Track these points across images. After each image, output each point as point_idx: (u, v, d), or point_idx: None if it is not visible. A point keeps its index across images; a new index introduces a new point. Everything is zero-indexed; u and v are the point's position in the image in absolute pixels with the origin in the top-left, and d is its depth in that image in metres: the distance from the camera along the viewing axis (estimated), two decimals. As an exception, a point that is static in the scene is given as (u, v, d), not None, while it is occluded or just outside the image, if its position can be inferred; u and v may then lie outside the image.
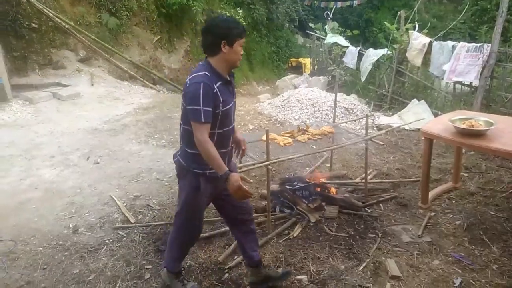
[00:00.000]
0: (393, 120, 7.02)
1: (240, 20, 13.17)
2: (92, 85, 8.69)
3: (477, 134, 3.51)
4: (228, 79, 2.42)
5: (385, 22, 9.57)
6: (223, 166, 2.27)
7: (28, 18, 8.34)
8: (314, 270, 3.08)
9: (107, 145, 5.82)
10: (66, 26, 8.89)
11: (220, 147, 2.42)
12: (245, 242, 2.81)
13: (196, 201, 2.54)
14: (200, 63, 2.42)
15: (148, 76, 10.27)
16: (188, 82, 2.31)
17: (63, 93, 7.81)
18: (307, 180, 4.10)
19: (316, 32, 11.99)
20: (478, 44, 6.27)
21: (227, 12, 12.50)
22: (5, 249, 3.37)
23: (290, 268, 3.02)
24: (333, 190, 4.10)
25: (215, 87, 2.28)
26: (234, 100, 2.52)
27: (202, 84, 2.23)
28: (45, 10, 8.55)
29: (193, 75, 2.32)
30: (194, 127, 2.27)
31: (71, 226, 3.74)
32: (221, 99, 2.31)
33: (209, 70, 2.32)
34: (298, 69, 14.51)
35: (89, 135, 6.22)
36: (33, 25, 8.42)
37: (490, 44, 6.11)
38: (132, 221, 3.80)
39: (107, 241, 3.50)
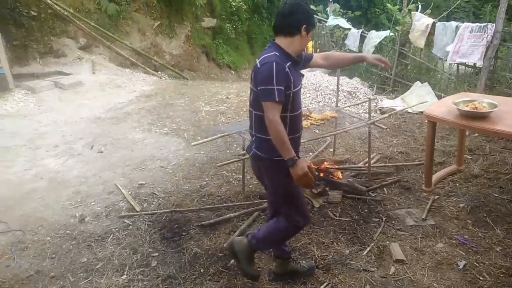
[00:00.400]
0: (396, 103, 6.97)
1: (240, 3, 13.06)
2: (94, 73, 8.66)
3: (481, 117, 3.49)
4: (297, 59, 2.43)
5: (387, 4, 9.44)
6: (291, 150, 2.24)
7: (27, 6, 8.25)
8: (319, 255, 3.11)
9: (110, 133, 5.83)
10: (66, 13, 8.81)
11: (293, 131, 2.42)
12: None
13: (293, 188, 2.45)
14: (268, 46, 2.42)
15: (149, 62, 10.21)
16: (259, 64, 2.30)
17: (65, 81, 7.80)
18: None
19: (317, 15, 11.84)
20: (482, 24, 6.17)
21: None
22: (13, 239, 3.42)
23: (312, 261, 3.01)
24: (338, 174, 4.11)
25: (286, 66, 2.28)
26: (302, 83, 2.51)
27: (274, 63, 2.23)
28: (43, -3, 8.48)
29: (263, 56, 2.31)
30: (266, 107, 2.23)
31: (77, 215, 3.78)
32: (292, 79, 2.30)
33: (278, 51, 2.32)
34: (300, 52, 14.37)
35: (92, 124, 6.23)
36: (32, 13, 8.33)
37: (494, 24, 6.02)
38: (138, 209, 3.83)
39: (113, 229, 3.54)
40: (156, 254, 3.19)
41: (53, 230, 3.56)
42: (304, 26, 2.34)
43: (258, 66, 2.29)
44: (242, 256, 2.68)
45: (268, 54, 2.30)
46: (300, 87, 2.45)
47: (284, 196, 2.52)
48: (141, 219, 3.67)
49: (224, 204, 3.87)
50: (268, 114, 2.22)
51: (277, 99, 2.20)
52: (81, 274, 2.99)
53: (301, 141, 3.75)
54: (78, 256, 3.20)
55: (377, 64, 2.89)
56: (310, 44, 13.40)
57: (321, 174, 4.04)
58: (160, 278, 2.92)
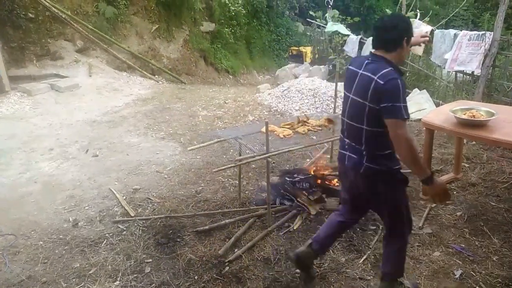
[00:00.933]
0: (394, 110, 6.96)
1: (239, 8, 13.07)
2: (90, 76, 8.63)
3: (478, 125, 3.48)
4: (402, 71, 2.42)
5: (387, 9, 9.46)
6: (426, 167, 2.21)
7: (25, 8, 8.24)
8: (315, 263, 3.07)
9: (106, 137, 5.79)
10: (63, 16, 8.79)
11: None
12: (331, 236, 2.81)
13: (407, 199, 2.46)
14: (371, 59, 2.35)
15: (146, 66, 10.19)
16: (381, 80, 2.20)
17: (62, 84, 7.76)
18: (308, 172, 4.08)
19: (316, 20, 11.87)
20: (480, 33, 6.18)
21: (226, 0, 12.36)
22: (5, 244, 3.37)
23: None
24: (335, 181, 4.08)
25: None
26: None
27: (399, 80, 2.18)
28: (41, -1, 8.46)
29: (381, 72, 2.21)
30: (396, 125, 2.17)
31: (71, 219, 3.74)
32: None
33: (391, 65, 2.28)
34: (299, 58, 14.37)
35: (88, 127, 6.20)
36: (30, 15, 8.32)
37: (492, 32, 6.03)
38: (132, 214, 3.79)
39: (107, 234, 3.50)
40: (150, 260, 3.15)
41: (46, 234, 3.52)
42: (406, 38, 2.32)
43: (382, 82, 2.19)
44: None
45: (386, 70, 2.22)
46: None
47: (400, 209, 2.48)
48: (135, 225, 3.63)
49: (220, 210, 3.84)
50: (399, 132, 2.17)
51: (405, 116, 2.16)
52: (74, 280, 2.96)
53: (298, 147, 3.75)
54: (71, 261, 3.15)
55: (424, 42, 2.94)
56: (309, 49, 13.47)
57: (318, 181, 4.01)
58: (153, 284, 2.88)
